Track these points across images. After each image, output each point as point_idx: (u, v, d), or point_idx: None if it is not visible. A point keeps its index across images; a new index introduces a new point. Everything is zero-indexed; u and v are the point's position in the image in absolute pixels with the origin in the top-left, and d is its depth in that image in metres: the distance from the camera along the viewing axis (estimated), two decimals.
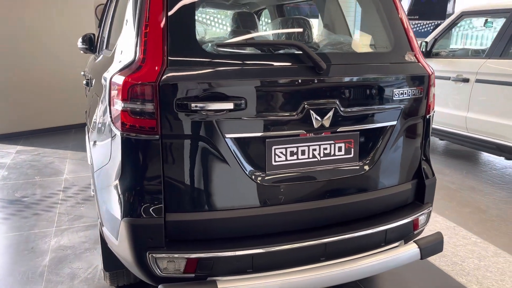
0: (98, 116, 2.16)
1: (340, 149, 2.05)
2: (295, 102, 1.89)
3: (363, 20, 2.32)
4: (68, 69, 6.56)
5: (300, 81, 1.89)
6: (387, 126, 2.13)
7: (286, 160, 1.96)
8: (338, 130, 2.00)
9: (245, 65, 1.87)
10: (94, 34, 4.16)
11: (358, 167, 2.10)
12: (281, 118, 1.89)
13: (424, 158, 2.35)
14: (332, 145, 2.03)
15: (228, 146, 1.85)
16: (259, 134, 1.88)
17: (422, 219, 2.30)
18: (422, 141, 2.30)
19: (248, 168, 1.90)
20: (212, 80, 1.79)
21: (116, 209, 1.93)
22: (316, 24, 3.22)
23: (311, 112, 1.91)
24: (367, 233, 2.07)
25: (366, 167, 2.11)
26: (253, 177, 1.90)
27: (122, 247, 1.94)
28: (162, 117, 1.77)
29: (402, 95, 2.12)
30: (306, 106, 1.90)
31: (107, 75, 2.03)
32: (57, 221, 3.58)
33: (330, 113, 1.94)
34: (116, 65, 2.01)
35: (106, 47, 2.63)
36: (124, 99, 1.79)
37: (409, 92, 2.15)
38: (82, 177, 4.64)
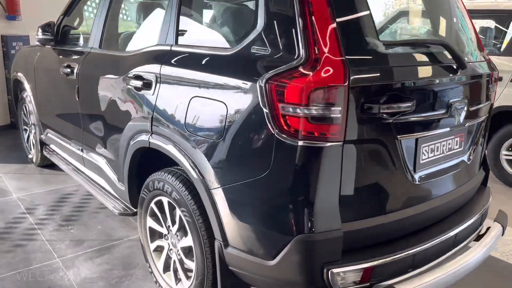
0: (223, 123, 1.86)
1: (456, 143, 2.17)
2: (446, 100, 1.95)
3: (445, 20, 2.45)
4: None
5: (451, 79, 1.95)
6: (483, 119, 2.32)
7: (428, 158, 2.00)
8: (465, 125, 2.12)
9: (410, 65, 1.85)
10: (53, 22, 3.53)
11: (466, 159, 2.25)
12: (435, 116, 1.93)
13: (486, 146, 2.62)
14: (453, 140, 2.14)
15: (398, 148, 1.82)
16: (419, 134, 1.90)
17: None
18: (488, 130, 2.57)
19: (408, 168, 1.89)
20: (394, 81, 1.74)
21: (280, 227, 1.74)
22: None
23: (456, 109, 1.99)
24: (476, 218, 2.25)
25: (470, 158, 2.28)
26: (410, 176, 1.91)
27: (283, 267, 1.76)
28: (348, 122, 1.65)
29: (491, 89, 2.34)
30: (453, 103, 1.97)
31: (248, 75, 1.78)
32: (53, 250, 2.96)
33: (465, 109, 2.05)
34: (258, 65, 1.77)
35: (176, 42, 2.23)
36: (304, 104, 1.61)
37: (493, 87, 2.37)
38: (39, 194, 3.88)
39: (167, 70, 2.18)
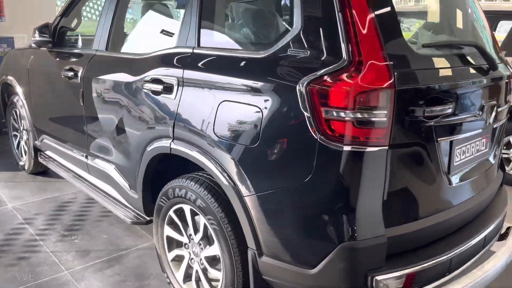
0: (258, 128, 1.79)
1: (483, 144, 2.17)
2: (480, 101, 1.95)
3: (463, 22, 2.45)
4: None
5: (483, 80, 1.95)
6: (505, 120, 2.33)
7: (460, 160, 1.99)
8: (493, 127, 2.12)
9: (447, 66, 1.84)
10: (50, 24, 3.39)
11: (491, 160, 2.25)
12: (470, 118, 1.92)
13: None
14: (480, 141, 2.13)
15: (437, 151, 1.80)
16: (457, 136, 1.88)
17: None
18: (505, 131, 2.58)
19: (445, 171, 1.88)
20: (436, 83, 1.73)
21: (323, 234, 1.69)
22: None
23: (487, 110, 1.98)
24: (501, 219, 2.26)
25: (493, 159, 2.28)
26: (447, 179, 1.89)
27: (325, 275, 1.71)
28: (393, 126, 1.61)
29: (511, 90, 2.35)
30: (485, 105, 1.96)
31: (285, 79, 1.73)
32: (60, 262, 2.82)
33: (495, 111, 2.05)
34: (296, 68, 1.72)
35: (198, 44, 2.14)
36: (350, 108, 1.57)
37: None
38: (35, 202, 3.71)
39: (190, 73, 2.09)
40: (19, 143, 4.36)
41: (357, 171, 1.62)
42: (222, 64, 2.00)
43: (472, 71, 1.95)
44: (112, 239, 3.15)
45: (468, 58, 1.97)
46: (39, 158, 3.91)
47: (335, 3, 1.65)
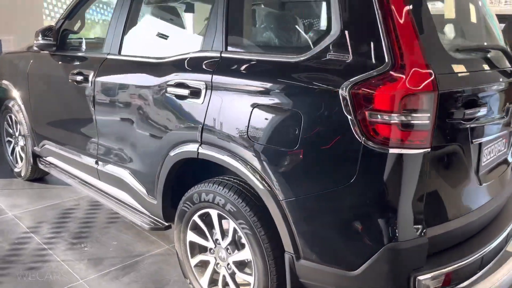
0: (298, 132, 1.79)
1: (503, 145, 2.24)
2: (505, 103, 2.02)
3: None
4: None
5: (510, 83, 2.01)
6: None
7: (486, 160, 2.05)
8: None
9: (480, 69, 1.90)
10: (54, 26, 3.32)
11: (509, 159, 2.33)
12: (498, 119, 1.98)
13: None
14: (501, 141, 2.20)
15: (471, 152, 1.85)
16: (487, 137, 1.94)
17: None
18: None
19: (475, 171, 1.93)
20: (472, 86, 1.78)
21: (368, 236, 1.71)
22: None
23: (511, 112, 2.05)
24: None
25: (511, 159, 2.36)
26: (477, 179, 1.95)
27: (368, 276, 1.73)
28: (435, 129, 1.65)
29: None
30: (510, 107, 2.03)
31: (326, 82, 1.74)
32: (73, 271, 2.75)
33: None
34: (337, 71, 1.74)
35: (225, 48, 2.13)
36: (395, 111, 1.60)
37: None
38: (37, 210, 3.60)
39: (220, 78, 2.08)
40: (13, 149, 4.22)
41: (400, 173, 1.65)
42: (255, 68, 1.99)
43: (500, 73, 2.02)
44: (123, 245, 3.09)
45: (496, 61, 2.04)
46: (39, 165, 3.80)
47: (375, 6, 1.67)
